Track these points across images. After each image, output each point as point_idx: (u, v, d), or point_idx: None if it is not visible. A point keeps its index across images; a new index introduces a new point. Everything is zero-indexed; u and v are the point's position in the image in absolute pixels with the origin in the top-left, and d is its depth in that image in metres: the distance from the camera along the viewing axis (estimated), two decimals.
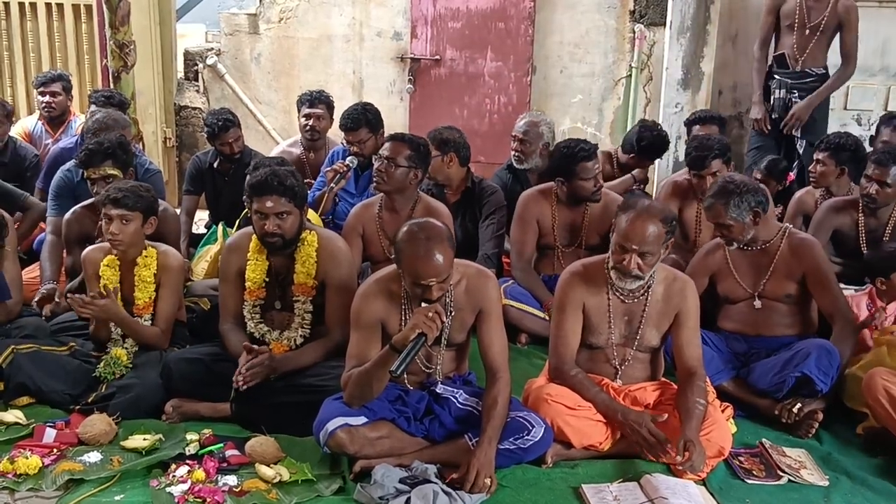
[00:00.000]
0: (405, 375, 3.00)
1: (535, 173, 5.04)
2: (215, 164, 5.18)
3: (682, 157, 6.10)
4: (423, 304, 2.79)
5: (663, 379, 3.29)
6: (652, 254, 3.00)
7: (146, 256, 3.58)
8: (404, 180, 3.99)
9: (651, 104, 6.44)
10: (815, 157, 4.65)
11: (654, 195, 5.20)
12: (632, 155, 5.20)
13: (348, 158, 4.79)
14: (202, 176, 5.25)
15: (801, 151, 5.40)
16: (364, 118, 4.83)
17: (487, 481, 2.78)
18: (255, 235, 3.42)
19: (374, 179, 4.03)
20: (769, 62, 5.50)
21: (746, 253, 3.64)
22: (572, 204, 4.29)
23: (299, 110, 5.41)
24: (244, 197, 3.39)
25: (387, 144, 4.04)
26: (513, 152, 5.02)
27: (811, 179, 4.64)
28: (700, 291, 3.69)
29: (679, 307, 3.15)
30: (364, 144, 4.84)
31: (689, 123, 5.35)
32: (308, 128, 5.32)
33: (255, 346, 3.25)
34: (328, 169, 4.75)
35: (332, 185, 4.59)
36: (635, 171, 5.18)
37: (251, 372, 3.17)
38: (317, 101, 5.32)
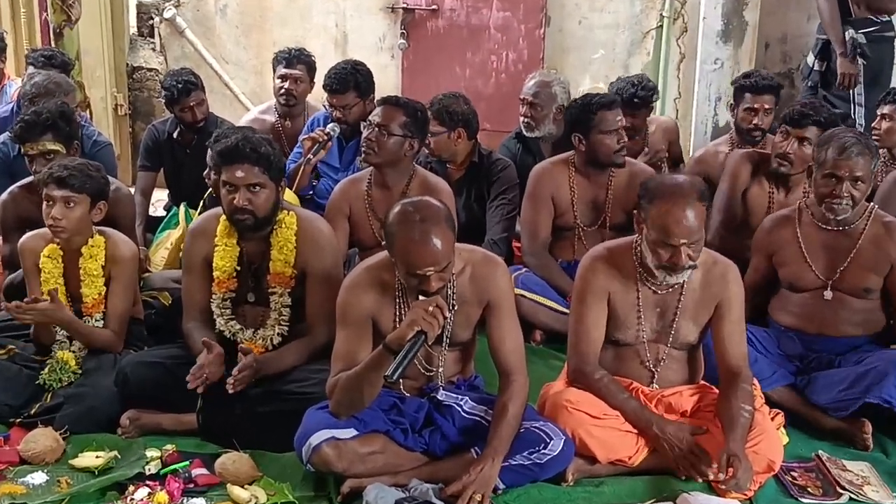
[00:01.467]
0: (401, 380, 2.99)
1: (549, 142, 5.03)
2: (175, 135, 5.18)
3: (722, 123, 6.11)
4: (422, 298, 2.79)
5: (702, 382, 3.29)
6: (701, 238, 3.00)
7: (92, 246, 3.58)
8: (398, 152, 3.98)
9: (686, 60, 6.42)
10: (879, 112, 4.66)
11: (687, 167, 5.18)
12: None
13: (329, 126, 4.78)
14: (160, 149, 5.25)
15: (857, 111, 5.39)
16: (353, 79, 4.83)
17: (478, 498, 2.78)
18: (223, 217, 3.41)
19: (363, 150, 4.02)
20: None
21: (823, 232, 3.60)
22: (593, 173, 4.29)
23: (274, 71, 5.40)
24: (207, 170, 3.38)
25: (378, 109, 4.03)
26: (522, 118, 5.02)
27: (874, 137, 4.62)
28: (760, 273, 3.70)
29: (720, 296, 3.14)
30: (349, 110, 4.84)
31: (742, 88, 4.96)
32: (284, 91, 5.32)
33: (214, 343, 3.26)
34: (305, 137, 4.75)
35: (309, 156, 4.58)
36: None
37: (243, 375, 3.17)
38: (295, 60, 5.32)
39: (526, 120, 5.00)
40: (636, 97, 5.08)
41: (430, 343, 2.83)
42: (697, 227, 2.96)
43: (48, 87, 4.59)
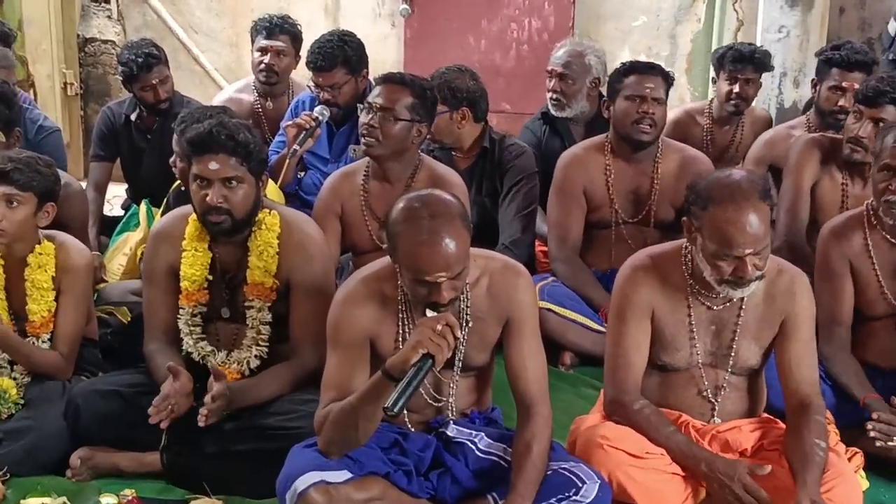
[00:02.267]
0: (405, 413, 2.98)
1: (581, 123, 5.03)
2: (134, 118, 5.19)
3: (788, 103, 6.09)
4: (430, 313, 2.78)
5: (765, 415, 3.28)
6: (768, 244, 2.99)
7: (40, 253, 3.58)
8: (405, 139, 3.97)
9: (745, 27, 6.42)
10: None
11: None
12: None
13: (317, 109, 4.78)
14: (116, 135, 5.27)
15: None
16: (342, 54, 4.83)
17: None
18: (192, 217, 3.42)
19: (364, 140, 3.98)
20: None
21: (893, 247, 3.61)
22: (633, 157, 4.32)
23: (252, 42, 5.41)
24: (173, 157, 3.38)
25: (379, 89, 3.99)
26: (549, 94, 5.02)
27: None
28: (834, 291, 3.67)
29: (786, 311, 3.13)
30: (339, 90, 4.84)
31: (828, 62, 4.89)
32: (264, 67, 5.33)
33: (181, 368, 3.25)
34: (289, 124, 4.74)
35: (295, 146, 4.58)
36: None
37: (216, 405, 3.16)
38: (277, 29, 5.33)
39: (555, 96, 5.01)
40: (746, 54, 5.21)
41: (438, 368, 2.82)
42: (763, 233, 2.95)
43: None
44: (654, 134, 4.30)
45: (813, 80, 5.00)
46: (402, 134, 3.95)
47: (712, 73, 5.49)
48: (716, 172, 3.18)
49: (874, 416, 3.28)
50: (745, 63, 5.22)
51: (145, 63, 5.00)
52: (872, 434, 3.24)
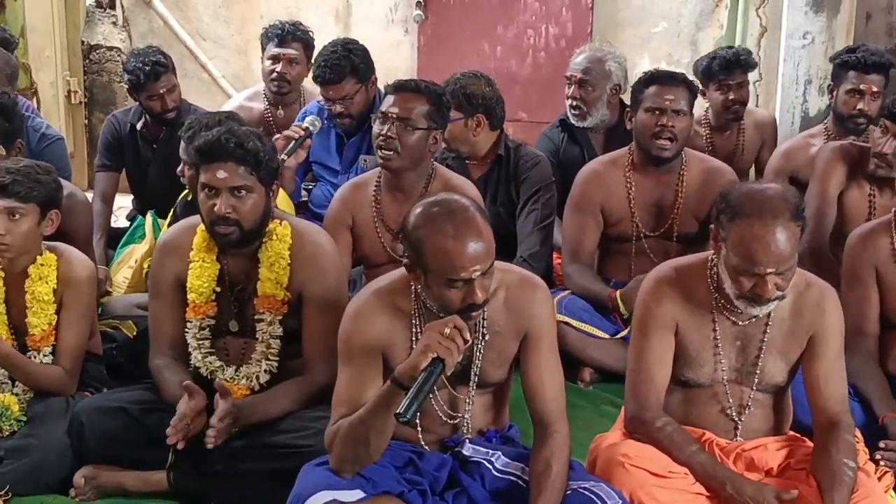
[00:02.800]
0: (418, 429, 2.99)
1: (601, 132, 5.02)
2: (139, 127, 5.20)
3: (813, 111, 6.07)
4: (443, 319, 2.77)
5: (791, 433, 3.27)
6: (793, 265, 2.97)
7: (42, 265, 3.58)
8: (423, 149, 3.95)
9: (768, 34, 6.42)
10: None
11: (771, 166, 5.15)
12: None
13: (308, 119, 4.73)
14: (122, 144, 5.28)
15: None
16: (349, 63, 4.82)
17: None
18: (200, 227, 3.42)
19: (381, 153, 3.93)
20: None
21: None
22: (655, 170, 4.31)
23: (263, 50, 5.42)
24: (181, 165, 3.37)
25: (393, 99, 3.94)
26: (569, 101, 5.02)
27: None
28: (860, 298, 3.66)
29: (814, 327, 3.12)
30: (351, 100, 4.84)
31: (844, 65, 4.91)
32: (276, 75, 5.33)
33: (196, 387, 3.24)
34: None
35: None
36: None
37: (222, 425, 3.15)
38: (289, 37, 5.33)
39: (574, 103, 5.00)
40: (731, 59, 5.24)
41: (448, 373, 2.79)
42: (789, 254, 2.92)
43: None
44: (675, 149, 4.26)
45: (829, 85, 5.01)
46: (421, 143, 3.93)
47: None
48: (752, 184, 3.16)
49: (882, 444, 3.30)
50: (732, 68, 5.27)
51: (153, 71, 5.00)
52: (882, 463, 3.24)
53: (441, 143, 4.07)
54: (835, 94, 4.83)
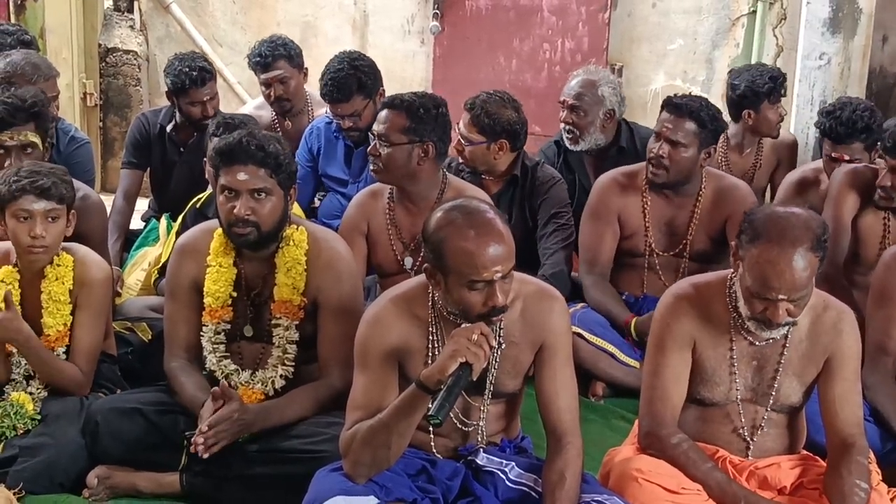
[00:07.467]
0: (431, 435, 3.00)
1: (593, 154, 5.01)
2: (169, 129, 5.21)
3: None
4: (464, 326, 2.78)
5: (804, 452, 3.27)
6: (807, 294, 2.97)
7: (58, 265, 3.59)
8: (406, 163, 3.99)
9: (784, 54, 6.42)
10: None
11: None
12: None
13: None
14: (149, 144, 5.30)
15: None
16: (356, 81, 4.84)
17: None
18: (217, 231, 3.44)
19: (370, 168, 4.09)
20: None
21: None
22: (671, 191, 4.31)
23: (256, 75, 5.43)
24: (208, 167, 3.35)
25: (379, 116, 4.05)
26: (563, 125, 5.01)
27: None
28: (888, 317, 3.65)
29: (831, 349, 3.12)
30: (359, 116, 4.87)
31: (821, 131, 4.74)
32: (274, 99, 5.35)
33: (229, 389, 3.26)
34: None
35: None
36: None
37: (217, 431, 3.17)
38: (270, 59, 5.29)
39: (567, 128, 4.97)
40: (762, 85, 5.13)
41: (475, 378, 2.80)
42: (804, 283, 2.91)
43: (24, 69, 4.56)
44: (665, 178, 4.25)
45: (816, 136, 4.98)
46: (402, 158, 3.98)
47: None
48: (777, 208, 3.13)
49: None
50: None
51: (199, 77, 5.02)
52: None
53: (434, 153, 4.04)
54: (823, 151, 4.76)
